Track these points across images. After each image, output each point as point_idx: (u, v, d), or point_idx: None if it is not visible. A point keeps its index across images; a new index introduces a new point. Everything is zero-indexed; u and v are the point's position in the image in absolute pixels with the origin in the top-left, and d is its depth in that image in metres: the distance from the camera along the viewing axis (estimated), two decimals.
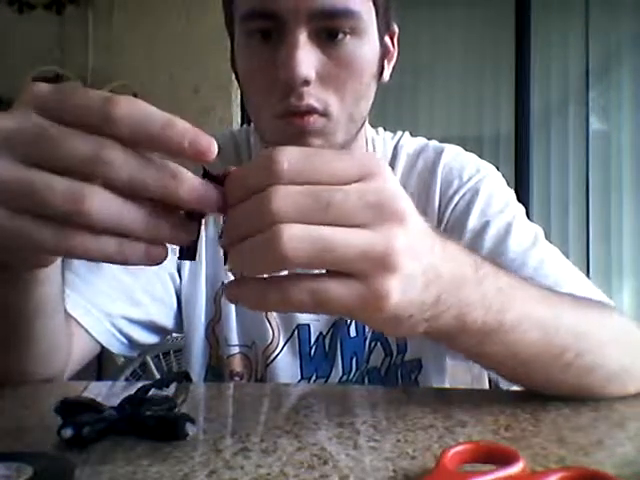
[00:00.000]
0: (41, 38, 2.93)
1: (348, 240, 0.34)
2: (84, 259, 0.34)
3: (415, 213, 0.37)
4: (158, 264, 0.35)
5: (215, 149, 0.33)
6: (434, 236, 0.39)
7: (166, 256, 0.36)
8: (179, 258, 0.38)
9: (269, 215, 0.33)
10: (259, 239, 0.33)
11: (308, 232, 0.33)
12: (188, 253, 0.38)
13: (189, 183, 0.34)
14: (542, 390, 0.51)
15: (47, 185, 0.32)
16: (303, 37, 0.60)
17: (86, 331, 0.68)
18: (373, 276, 0.35)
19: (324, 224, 0.34)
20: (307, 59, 0.60)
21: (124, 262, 0.34)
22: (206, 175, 0.36)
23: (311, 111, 0.62)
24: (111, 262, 0.34)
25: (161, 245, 0.35)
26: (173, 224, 0.35)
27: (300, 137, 0.63)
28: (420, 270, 0.37)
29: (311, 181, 0.34)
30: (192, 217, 0.36)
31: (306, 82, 0.61)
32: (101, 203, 0.32)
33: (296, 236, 0.33)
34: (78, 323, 0.67)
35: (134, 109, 0.32)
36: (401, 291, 0.36)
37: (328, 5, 0.60)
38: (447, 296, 0.40)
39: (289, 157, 0.34)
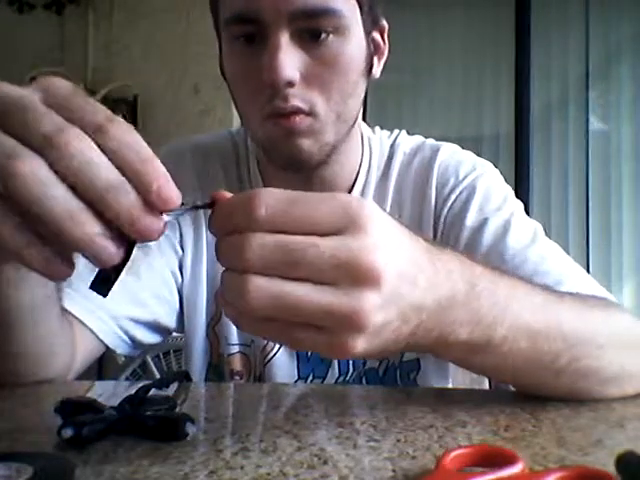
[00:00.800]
0: (41, 38, 2.93)
1: (312, 298, 0.34)
2: None
3: (395, 260, 0.36)
4: (54, 280, 0.34)
5: (177, 203, 0.32)
6: (420, 264, 0.38)
7: (67, 276, 0.33)
8: (90, 287, 0.34)
9: (240, 263, 0.34)
10: (232, 281, 0.34)
11: (272, 287, 0.34)
12: (102, 283, 0.34)
13: (139, 203, 0.32)
14: (536, 393, 0.51)
15: None
16: (285, 39, 0.60)
17: (92, 332, 0.68)
18: (339, 333, 0.35)
19: (293, 278, 0.34)
20: (290, 61, 0.60)
21: (20, 261, 0.32)
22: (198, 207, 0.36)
23: (297, 112, 0.62)
24: (10, 257, 0.33)
25: (67, 263, 0.33)
26: (102, 234, 0.31)
27: (289, 137, 0.64)
28: (395, 314, 0.37)
29: (289, 229, 0.34)
30: (123, 240, 0.32)
31: (290, 84, 0.61)
32: (33, 169, 0.30)
33: (260, 290, 0.33)
34: (84, 324, 0.67)
35: (128, 132, 0.32)
36: (368, 343, 0.36)
37: (308, 5, 0.60)
38: (428, 322, 0.39)
39: (268, 203, 0.34)
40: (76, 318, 0.66)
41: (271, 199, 0.34)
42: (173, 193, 0.32)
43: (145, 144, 0.32)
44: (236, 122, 2.82)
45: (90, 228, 0.31)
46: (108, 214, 0.31)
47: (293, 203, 0.35)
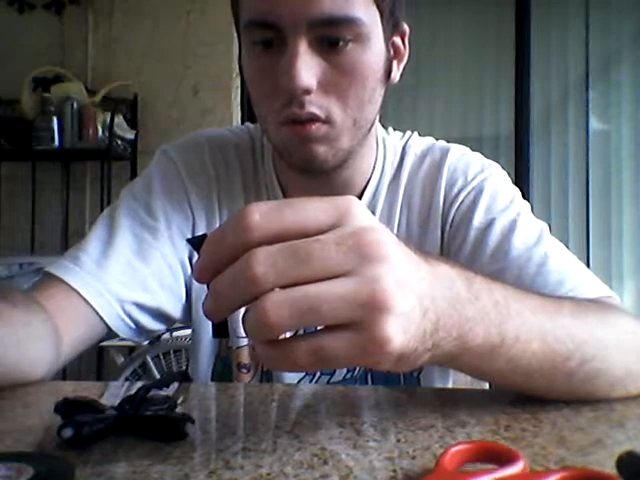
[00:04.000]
0: (41, 38, 2.93)
1: (333, 292, 0.33)
2: None
3: (396, 244, 0.36)
4: None
5: None
6: (420, 261, 0.38)
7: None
8: (213, 336, 0.40)
9: (251, 284, 0.33)
10: (249, 313, 0.33)
11: (291, 296, 0.33)
12: (221, 329, 0.39)
13: None
14: (545, 397, 0.50)
15: None
16: (303, 46, 0.60)
17: (97, 314, 0.67)
18: (369, 322, 0.33)
19: (307, 280, 0.33)
20: (307, 68, 0.60)
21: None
22: (189, 241, 0.37)
23: (313, 119, 0.62)
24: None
25: None
26: None
27: (304, 143, 0.64)
28: (414, 301, 0.36)
29: (285, 232, 0.34)
30: None
31: (307, 91, 0.61)
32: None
33: (279, 303, 0.32)
34: (90, 305, 0.67)
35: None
36: (402, 330, 0.35)
37: (327, 14, 0.60)
38: (445, 319, 0.39)
39: (260, 209, 0.34)
40: (82, 297, 0.66)
41: (262, 206, 0.34)
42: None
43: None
44: (236, 122, 2.82)
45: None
46: None
47: (283, 206, 0.35)
